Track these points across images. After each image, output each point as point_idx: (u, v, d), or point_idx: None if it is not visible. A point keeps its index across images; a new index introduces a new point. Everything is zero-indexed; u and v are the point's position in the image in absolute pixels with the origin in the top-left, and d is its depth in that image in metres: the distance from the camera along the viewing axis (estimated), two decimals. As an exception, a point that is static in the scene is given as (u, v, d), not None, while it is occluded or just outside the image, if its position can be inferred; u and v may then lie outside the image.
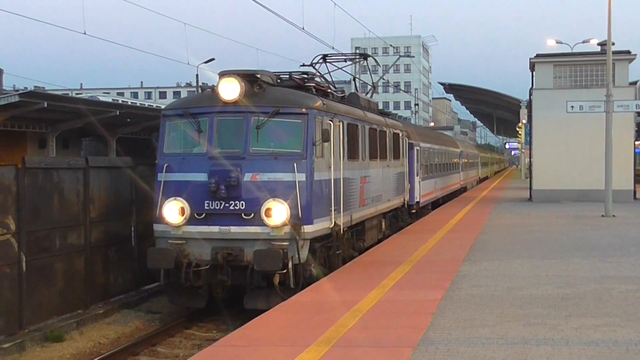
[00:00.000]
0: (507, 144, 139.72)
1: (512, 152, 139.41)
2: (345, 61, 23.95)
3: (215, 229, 14.25)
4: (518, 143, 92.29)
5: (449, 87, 68.03)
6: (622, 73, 36.88)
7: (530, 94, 39.58)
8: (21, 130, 26.74)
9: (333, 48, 36.49)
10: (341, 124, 16.76)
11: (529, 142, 42.44)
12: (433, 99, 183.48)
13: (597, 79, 37.58)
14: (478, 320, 10.84)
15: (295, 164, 14.24)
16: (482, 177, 73.55)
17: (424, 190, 30.21)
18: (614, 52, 32.13)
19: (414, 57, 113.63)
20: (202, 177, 14.32)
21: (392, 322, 10.79)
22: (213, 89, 15.15)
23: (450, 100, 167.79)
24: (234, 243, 14.19)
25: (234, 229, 14.15)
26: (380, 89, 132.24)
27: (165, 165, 14.78)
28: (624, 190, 34.88)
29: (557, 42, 51.78)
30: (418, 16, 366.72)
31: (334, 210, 15.80)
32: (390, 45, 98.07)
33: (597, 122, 31.48)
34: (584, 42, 50.95)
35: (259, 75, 15.13)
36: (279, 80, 16.62)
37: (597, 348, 9.22)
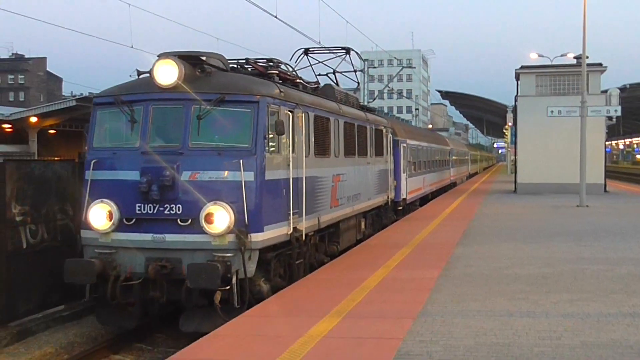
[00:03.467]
0: (495, 143, 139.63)
1: (500, 151, 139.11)
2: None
3: (147, 236, 10.58)
4: (504, 143, 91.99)
5: (445, 94, 67.70)
6: (594, 82, 37.24)
7: (516, 100, 39.92)
8: (78, 130, 26.98)
9: (345, 60, 36.42)
10: (306, 115, 13.07)
11: (514, 142, 42.53)
12: (431, 104, 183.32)
13: (573, 87, 37.73)
14: (470, 295, 10.83)
15: (241, 161, 10.55)
16: (472, 172, 73.10)
17: (411, 187, 27.30)
18: (588, 65, 32.18)
19: (414, 68, 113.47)
20: (133, 175, 10.64)
21: (395, 297, 10.78)
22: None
23: (446, 105, 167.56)
24: (170, 253, 10.51)
25: (169, 237, 10.51)
26: (385, 95, 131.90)
27: (94, 161, 11.07)
28: (595, 184, 35.07)
29: (538, 55, 52.08)
30: (419, 32, 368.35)
31: (294, 214, 12.17)
32: (394, 58, 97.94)
33: (573, 125, 31.63)
34: (562, 55, 51.04)
35: (203, 58, 11.52)
36: (239, 67, 13.24)
37: (572, 319, 9.21)
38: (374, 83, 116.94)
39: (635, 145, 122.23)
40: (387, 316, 9.50)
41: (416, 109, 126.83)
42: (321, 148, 14.31)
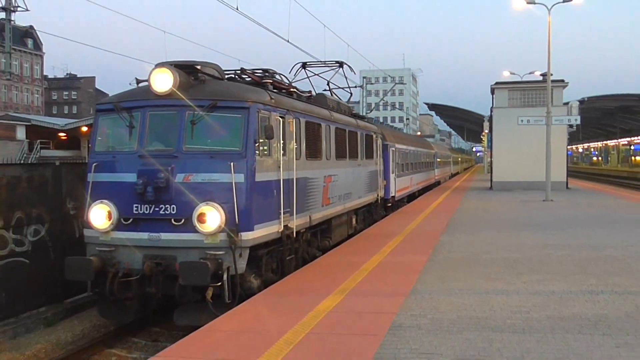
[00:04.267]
0: (474, 147, 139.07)
1: (478, 154, 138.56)
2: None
3: (144, 235, 9.84)
4: (482, 147, 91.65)
5: (432, 106, 67.50)
6: (558, 96, 37.22)
7: (491, 111, 39.96)
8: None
9: (347, 78, 36.43)
10: (297, 121, 12.13)
11: (490, 146, 42.51)
12: (420, 114, 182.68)
13: (540, 100, 37.60)
14: (453, 276, 10.83)
15: (232, 164, 9.72)
16: (454, 172, 72.57)
17: (399, 185, 26.43)
18: (552, 81, 32.18)
19: (405, 84, 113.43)
20: (131, 177, 9.89)
21: (390, 278, 10.78)
22: None
23: (432, 116, 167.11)
24: (166, 251, 9.76)
25: (164, 235, 9.75)
26: (381, 107, 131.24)
27: (95, 164, 10.32)
28: (559, 182, 35.02)
29: (510, 73, 52.13)
30: (409, 54, 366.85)
31: (285, 212, 11.21)
32: (389, 75, 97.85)
33: (539, 132, 31.61)
34: (530, 73, 51.04)
35: (198, 67, 10.75)
36: (235, 77, 12.38)
37: (539, 296, 9.20)
38: (372, 97, 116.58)
39: (592, 149, 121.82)
40: (383, 294, 9.51)
41: (407, 119, 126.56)
42: (313, 151, 13.31)
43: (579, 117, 32.14)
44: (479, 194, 34.03)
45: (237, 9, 15.42)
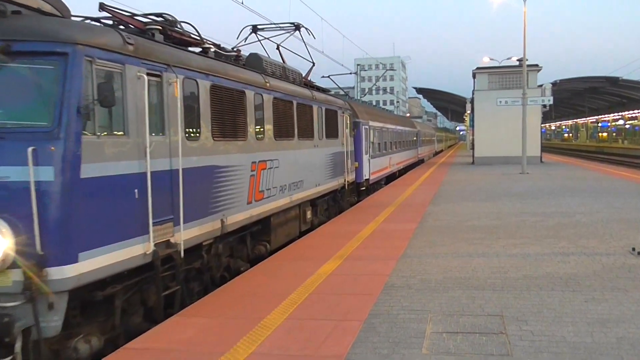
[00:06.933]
0: (457, 127, 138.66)
1: (461, 132, 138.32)
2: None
3: None
4: (465, 126, 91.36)
5: (419, 90, 67.09)
6: (533, 79, 37.23)
7: (473, 94, 40.04)
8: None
9: (342, 66, 36.29)
10: (193, 84, 7.70)
11: (472, 125, 42.39)
12: (409, 97, 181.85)
13: (517, 83, 37.63)
14: (439, 241, 10.85)
15: (32, 150, 5.23)
16: (438, 150, 71.17)
17: (374, 167, 21.93)
18: (528, 66, 32.13)
19: (395, 70, 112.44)
20: None
21: (383, 243, 10.79)
22: None
23: (420, 99, 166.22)
24: None
25: None
26: (373, 92, 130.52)
27: None
28: (534, 156, 35.32)
29: (490, 59, 51.38)
30: (398, 43, 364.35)
31: (161, 222, 6.72)
32: (380, 63, 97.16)
33: (516, 111, 31.78)
34: (508, 59, 50.29)
35: None
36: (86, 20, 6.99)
37: (516, 258, 9.23)
38: (365, 82, 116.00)
39: (563, 127, 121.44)
40: (377, 258, 9.52)
41: (397, 102, 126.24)
42: (227, 129, 8.74)
43: (551, 98, 32.13)
44: (462, 169, 34.02)
45: (242, 3, 15.20)
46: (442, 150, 79.41)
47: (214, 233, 8.31)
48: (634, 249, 9.53)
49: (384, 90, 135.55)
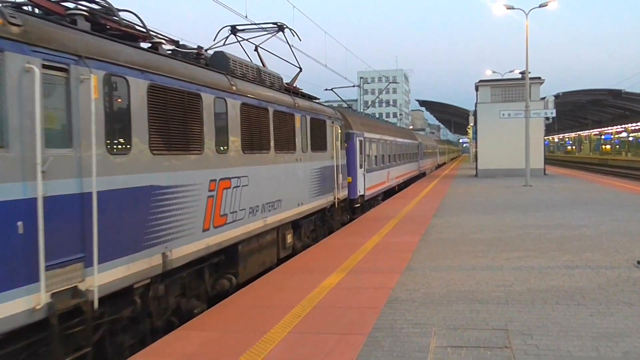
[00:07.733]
0: (460, 139, 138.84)
1: (464, 145, 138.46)
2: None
3: None
4: (468, 138, 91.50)
5: (422, 102, 67.34)
6: (535, 92, 37.29)
7: (476, 106, 40.14)
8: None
9: (346, 79, 36.41)
10: (122, 82, 6.15)
11: (475, 138, 42.48)
12: (411, 110, 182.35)
13: (519, 95, 37.72)
14: (442, 254, 10.80)
15: None
16: (441, 162, 70.11)
17: (370, 182, 20.09)
18: (530, 79, 32.27)
19: (398, 83, 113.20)
20: None
21: (386, 256, 10.76)
22: None
23: (423, 111, 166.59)
24: None
25: None
26: (376, 104, 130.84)
27: None
28: (537, 169, 35.29)
29: (492, 72, 52.18)
30: (401, 56, 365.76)
31: (62, 264, 5.09)
32: (383, 76, 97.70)
33: (519, 124, 31.88)
34: (510, 71, 51.05)
35: None
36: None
37: (520, 271, 9.17)
38: (368, 95, 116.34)
39: (566, 139, 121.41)
40: (380, 271, 9.49)
41: (400, 114, 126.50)
42: (173, 140, 7.19)
43: (554, 111, 32.25)
44: (465, 181, 33.97)
45: (245, 17, 15.29)
46: (444, 163, 79.28)
47: (152, 271, 6.56)
48: (639, 263, 9.47)
49: (387, 102, 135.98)
